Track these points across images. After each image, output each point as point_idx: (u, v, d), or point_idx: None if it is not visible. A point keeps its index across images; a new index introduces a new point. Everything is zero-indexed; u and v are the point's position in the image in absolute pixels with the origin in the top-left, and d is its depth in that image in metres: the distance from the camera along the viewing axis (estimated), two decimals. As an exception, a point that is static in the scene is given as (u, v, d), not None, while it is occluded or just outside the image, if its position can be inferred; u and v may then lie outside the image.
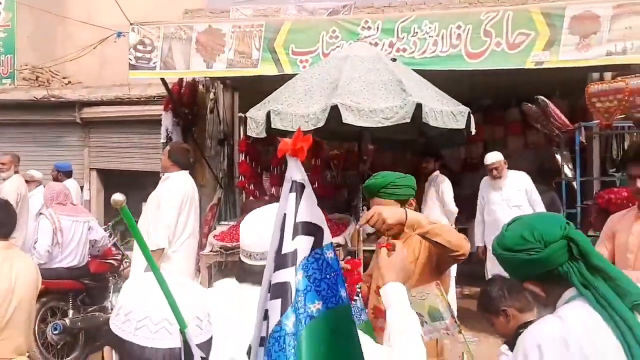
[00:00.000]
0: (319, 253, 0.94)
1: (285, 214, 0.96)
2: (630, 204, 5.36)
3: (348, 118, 4.58)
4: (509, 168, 5.50)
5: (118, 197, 0.90)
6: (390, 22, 5.90)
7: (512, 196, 5.29)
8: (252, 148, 6.03)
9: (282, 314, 0.90)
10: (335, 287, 0.94)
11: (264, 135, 5.00)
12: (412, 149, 6.95)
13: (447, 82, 5.53)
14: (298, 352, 0.87)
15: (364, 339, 1.19)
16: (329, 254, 0.96)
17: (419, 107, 4.57)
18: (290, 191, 0.96)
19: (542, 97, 5.40)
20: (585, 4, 5.39)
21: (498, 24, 5.53)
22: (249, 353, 1.00)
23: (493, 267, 4.94)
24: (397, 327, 1.36)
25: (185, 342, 1.00)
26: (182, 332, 0.99)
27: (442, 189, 5.63)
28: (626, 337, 1.17)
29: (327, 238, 0.97)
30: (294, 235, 0.94)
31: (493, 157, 5.41)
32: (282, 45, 6.17)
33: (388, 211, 1.93)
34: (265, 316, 0.94)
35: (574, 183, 5.87)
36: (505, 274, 1.50)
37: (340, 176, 6.92)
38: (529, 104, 5.68)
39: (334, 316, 0.92)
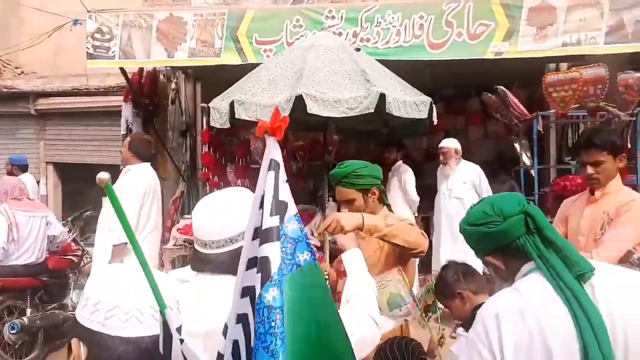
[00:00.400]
0: (258, 304, 0.96)
1: (264, 191, 0.98)
2: (584, 190, 5.68)
3: (313, 108, 4.55)
4: (469, 157, 5.58)
5: (103, 175, 0.89)
6: (353, 11, 5.88)
7: (455, 187, 5.33)
8: (215, 139, 5.93)
9: (262, 288, 0.92)
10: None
11: (227, 125, 4.92)
12: (376, 139, 6.99)
13: (411, 72, 5.57)
14: (284, 297, 0.93)
15: None
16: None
17: (382, 97, 4.58)
18: (269, 169, 0.99)
19: (502, 87, 5.50)
20: (543, -6, 5.50)
21: (459, 15, 5.59)
22: (224, 333, 1.01)
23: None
24: (349, 293, 1.48)
25: (165, 324, 0.99)
26: (162, 313, 0.98)
27: (404, 178, 5.69)
28: (573, 307, 1.21)
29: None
30: (277, 212, 0.96)
31: (445, 142, 5.48)
32: (245, 34, 6.07)
33: (346, 218, 1.99)
34: (244, 293, 0.96)
35: (532, 171, 6.00)
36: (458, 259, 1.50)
37: (306, 167, 6.89)
38: (489, 94, 5.78)
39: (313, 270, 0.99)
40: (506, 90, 5.51)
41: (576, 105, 5.36)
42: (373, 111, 4.62)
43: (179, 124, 7.53)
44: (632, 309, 1.21)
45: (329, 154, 6.40)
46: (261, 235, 0.95)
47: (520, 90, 6.69)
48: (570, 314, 1.21)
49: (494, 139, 7.96)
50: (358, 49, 5.37)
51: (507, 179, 7.17)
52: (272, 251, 0.95)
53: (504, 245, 1.35)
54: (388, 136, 6.25)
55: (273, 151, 0.99)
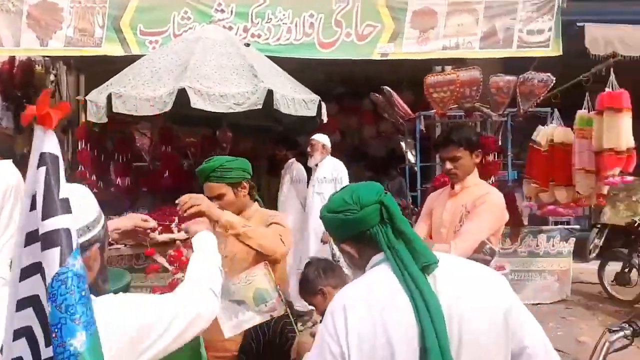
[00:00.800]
0: (64, 272, 0.84)
1: (35, 191, 0.85)
2: None
3: (197, 102, 4.36)
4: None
5: None
6: (244, 6, 5.75)
7: (317, 183, 5.21)
8: (94, 135, 5.49)
9: (69, 256, 0.84)
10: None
11: (105, 120, 4.57)
12: (270, 137, 6.92)
13: (304, 70, 5.57)
14: None
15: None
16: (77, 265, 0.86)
17: (270, 93, 4.51)
18: (40, 165, 0.85)
19: (387, 88, 5.66)
20: (424, -1, 5.75)
21: (348, 15, 5.68)
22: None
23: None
24: (191, 268, 1.48)
25: None
26: None
27: (296, 175, 5.65)
28: (415, 298, 1.22)
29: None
30: (60, 211, 0.85)
31: (315, 135, 5.26)
32: (128, 25, 5.71)
33: (209, 205, 1.98)
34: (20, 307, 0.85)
35: (416, 168, 6.21)
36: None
37: (198, 164, 6.60)
38: (376, 94, 5.93)
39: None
40: (391, 90, 5.67)
41: (454, 106, 5.61)
42: (261, 107, 4.52)
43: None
44: (469, 302, 1.24)
45: (222, 151, 6.21)
46: (42, 239, 0.84)
47: (409, 90, 6.93)
48: (412, 305, 1.22)
49: (386, 137, 8.20)
50: (248, 44, 5.26)
51: (397, 175, 7.45)
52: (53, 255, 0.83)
53: (358, 234, 1.35)
54: (280, 134, 6.19)
55: (44, 143, 0.85)
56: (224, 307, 1.94)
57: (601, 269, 6.24)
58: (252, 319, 1.97)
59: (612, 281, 6.09)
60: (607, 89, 4.94)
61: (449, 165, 2.63)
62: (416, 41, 5.71)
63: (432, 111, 5.72)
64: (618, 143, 4.83)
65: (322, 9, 5.69)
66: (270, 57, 5.39)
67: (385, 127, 8.11)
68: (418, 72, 6.35)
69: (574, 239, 6.01)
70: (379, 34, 5.69)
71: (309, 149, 5.23)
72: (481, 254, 2.44)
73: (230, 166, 2.32)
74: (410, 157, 6.84)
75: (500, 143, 5.95)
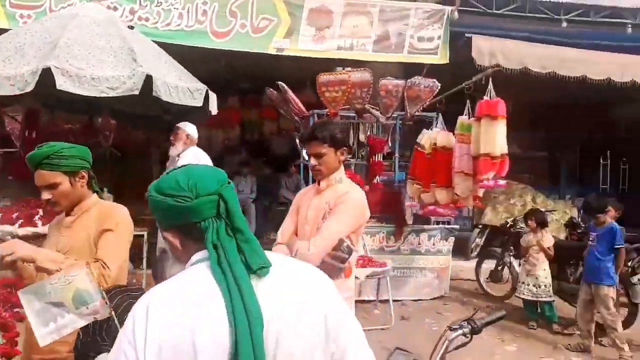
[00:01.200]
0: None
1: None
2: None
3: (64, 84, 3.98)
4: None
5: None
6: (131, -14, 5.38)
7: None
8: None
9: None
10: None
11: (-46, 98, 4.03)
12: (159, 127, 6.55)
13: (206, 60, 5.29)
14: None
15: None
16: None
17: (149, 79, 4.22)
18: None
19: (282, 84, 5.55)
20: (321, -3, 5.71)
21: (243, 5, 5.51)
22: None
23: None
24: None
25: None
26: None
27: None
28: (234, 303, 1.11)
29: None
30: None
31: (182, 124, 4.91)
32: (-3, -6, 5.11)
33: (21, 250, 1.91)
34: None
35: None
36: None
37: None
38: (271, 90, 5.82)
39: None
40: (286, 86, 5.57)
41: (346, 107, 5.63)
42: (137, 93, 4.22)
43: None
44: (289, 307, 1.16)
45: (105, 140, 5.79)
46: None
47: (312, 88, 6.86)
48: (229, 312, 1.11)
49: (287, 134, 8.11)
50: (131, 27, 4.91)
51: (294, 172, 7.40)
52: None
53: (187, 224, 1.19)
54: (169, 124, 5.86)
55: None
56: (39, 311, 1.73)
57: (478, 267, 6.61)
58: (73, 322, 1.76)
59: (487, 278, 6.45)
60: (485, 97, 5.16)
61: (313, 161, 2.58)
62: (312, 39, 5.67)
63: (325, 110, 5.69)
64: (493, 149, 5.07)
65: (216, -3, 5.46)
66: (162, 43, 5.07)
67: (287, 123, 8.02)
68: (321, 70, 6.36)
69: (454, 238, 6.30)
70: (275, 28, 5.57)
71: (172, 137, 4.89)
72: (339, 251, 2.41)
73: (67, 154, 2.09)
74: (305, 154, 6.78)
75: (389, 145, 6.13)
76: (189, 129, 4.86)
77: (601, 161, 9.72)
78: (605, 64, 6.77)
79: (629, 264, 4.82)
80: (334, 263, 2.33)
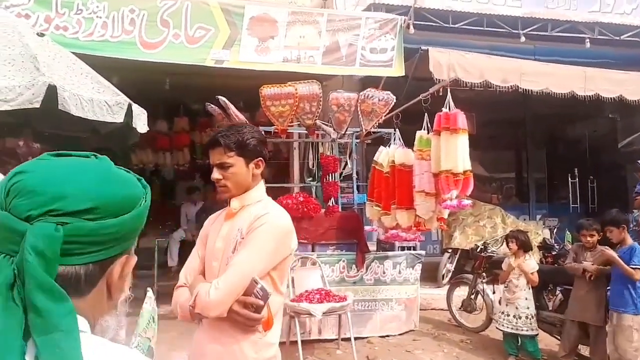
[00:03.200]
0: None
1: None
2: (306, 209, 5.55)
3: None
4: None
5: None
6: (47, -7, 4.76)
7: None
8: None
9: None
10: None
11: None
12: (90, 147, 5.84)
13: (149, 79, 4.69)
14: None
15: None
16: None
17: (54, 90, 3.55)
18: None
19: (223, 98, 4.99)
20: (264, 4, 5.22)
21: (176, 14, 4.98)
22: None
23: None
24: None
25: None
26: None
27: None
28: None
29: None
30: None
31: None
32: None
33: None
34: None
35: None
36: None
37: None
38: (212, 105, 5.23)
39: None
40: (227, 101, 5.00)
41: (296, 123, 5.16)
42: (39, 106, 3.54)
43: None
44: None
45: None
46: None
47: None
48: None
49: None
50: (42, 34, 4.26)
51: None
52: None
53: None
54: (96, 146, 5.18)
55: None
56: None
57: (449, 295, 6.14)
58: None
59: (460, 308, 5.95)
60: (444, 110, 4.71)
61: (216, 173, 1.99)
62: (255, 50, 5.13)
63: (272, 127, 5.17)
64: (454, 165, 4.60)
65: (144, 5, 4.90)
66: (91, 56, 4.45)
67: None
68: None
69: (421, 264, 5.79)
70: (213, 39, 5.04)
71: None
72: (252, 295, 1.80)
73: None
74: None
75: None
76: None
77: (569, 179, 9.42)
78: (568, 78, 6.59)
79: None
80: (245, 314, 1.79)
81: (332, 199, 5.23)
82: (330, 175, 5.27)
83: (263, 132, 2.13)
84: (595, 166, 9.86)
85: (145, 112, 4.44)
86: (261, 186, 2.09)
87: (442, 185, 4.63)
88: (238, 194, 2.02)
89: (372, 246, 5.89)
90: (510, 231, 5.44)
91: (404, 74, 5.84)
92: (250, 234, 1.92)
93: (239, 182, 2.00)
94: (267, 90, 4.83)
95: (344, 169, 6.68)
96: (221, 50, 5.03)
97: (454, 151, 4.60)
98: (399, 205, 5.06)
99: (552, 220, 8.32)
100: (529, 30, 7.31)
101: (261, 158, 2.04)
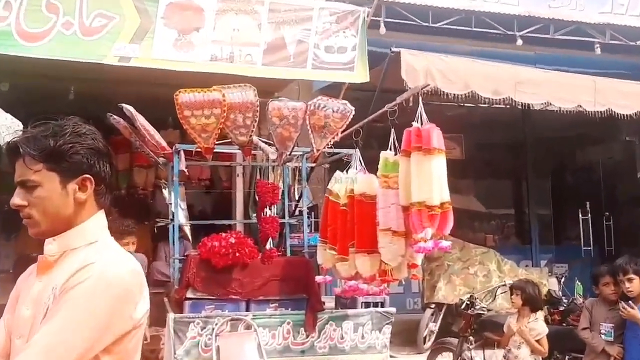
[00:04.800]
0: None
1: None
2: (238, 253, 5.12)
3: None
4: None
5: None
6: None
7: None
8: None
9: None
10: None
11: None
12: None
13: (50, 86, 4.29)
14: None
15: None
16: None
17: None
18: None
19: (128, 107, 4.65)
20: (186, -11, 4.95)
21: (68, -3, 4.59)
22: None
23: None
24: None
25: None
26: None
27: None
28: None
29: None
30: None
31: None
32: None
33: None
34: None
35: (186, 228, 5.22)
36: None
37: None
38: (115, 117, 4.84)
39: None
40: (133, 110, 4.63)
41: (227, 140, 4.86)
42: None
43: None
44: None
45: None
46: None
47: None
48: None
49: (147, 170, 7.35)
50: None
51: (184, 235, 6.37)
52: None
53: None
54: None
55: None
56: None
57: None
58: None
59: (447, 382, 5.75)
60: (414, 124, 4.40)
61: (17, 197, 1.62)
62: (173, 44, 4.82)
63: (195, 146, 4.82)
64: (429, 195, 4.24)
65: (24, -16, 4.50)
66: None
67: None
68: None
69: (390, 326, 5.41)
70: (117, 29, 4.73)
71: None
72: None
73: None
74: (180, 214, 5.83)
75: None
76: None
77: (580, 216, 9.28)
78: (574, 88, 6.52)
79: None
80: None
81: (271, 240, 4.96)
82: (268, 208, 5.03)
83: (101, 140, 1.70)
84: (611, 200, 9.87)
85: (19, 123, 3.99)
86: (96, 220, 1.69)
87: (414, 222, 4.25)
88: (53, 230, 1.63)
89: (328, 302, 5.54)
90: (517, 281, 5.26)
91: (368, 80, 5.64)
92: (63, 295, 1.51)
93: (50, 211, 1.60)
94: (184, 97, 4.47)
95: (299, 200, 6.46)
96: (128, 44, 4.73)
97: (428, 178, 4.25)
98: (358, 248, 4.68)
99: (560, 267, 8.19)
100: (527, 32, 7.26)
101: (89, 175, 1.62)
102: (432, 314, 7.25)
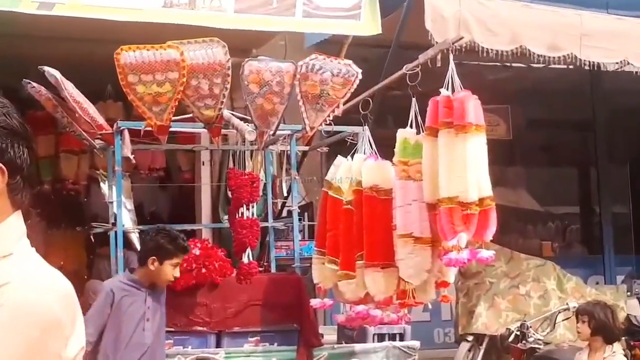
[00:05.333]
0: None
1: None
2: (204, 269, 5.24)
3: None
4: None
5: None
6: None
7: None
8: None
9: None
10: None
11: None
12: None
13: None
14: None
15: None
16: None
17: None
18: None
19: (51, 70, 4.80)
20: None
21: None
22: None
23: None
24: None
25: None
26: None
27: None
28: None
29: None
30: None
31: None
32: None
33: None
34: None
35: (133, 235, 5.41)
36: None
37: None
38: (32, 83, 5.07)
39: None
40: (59, 75, 4.82)
41: (188, 115, 5.11)
42: None
43: None
44: None
45: None
46: None
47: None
48: None
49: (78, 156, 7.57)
50: None
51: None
52: None
53: None
54: None
55: None
56: None
57: None
58: None
59: None
60: (443, 91, 4.52)
61: None
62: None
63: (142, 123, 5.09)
64: (464, 189, 4.40)
65: None
66: None
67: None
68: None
69: None
70: None
71: None
72: None
73: None
74: (127, 215, 6.09)
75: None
76: None
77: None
78: None
79: None
80: None
81: (249, 250, 4.98)
82: (245, 207, 5.12)
83: (15, 116, 1.77)
84: None
85: None
86: (11, 225, 1.71)
87: (443, 225, 4.43)
88: None
89: (328, 334, 5.85)
90: (584, 304, 5.40)
91: (380, 32, 5.76)
92: None
93: None
94: (128, 56, 4.68)
95: (287, 196, 6.65)
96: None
97: (462, 165, 4.42)
98: (369, 262, 4.89)
99: (644, 284, 8.32)
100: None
101: (0, 164, 1.65)
102: (470, 349, 7.43)
